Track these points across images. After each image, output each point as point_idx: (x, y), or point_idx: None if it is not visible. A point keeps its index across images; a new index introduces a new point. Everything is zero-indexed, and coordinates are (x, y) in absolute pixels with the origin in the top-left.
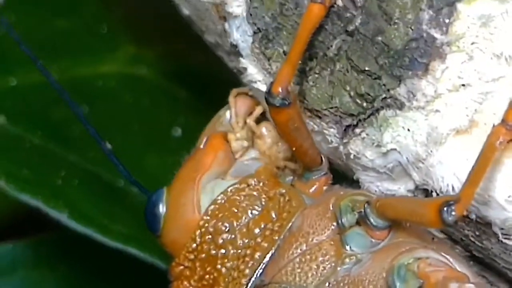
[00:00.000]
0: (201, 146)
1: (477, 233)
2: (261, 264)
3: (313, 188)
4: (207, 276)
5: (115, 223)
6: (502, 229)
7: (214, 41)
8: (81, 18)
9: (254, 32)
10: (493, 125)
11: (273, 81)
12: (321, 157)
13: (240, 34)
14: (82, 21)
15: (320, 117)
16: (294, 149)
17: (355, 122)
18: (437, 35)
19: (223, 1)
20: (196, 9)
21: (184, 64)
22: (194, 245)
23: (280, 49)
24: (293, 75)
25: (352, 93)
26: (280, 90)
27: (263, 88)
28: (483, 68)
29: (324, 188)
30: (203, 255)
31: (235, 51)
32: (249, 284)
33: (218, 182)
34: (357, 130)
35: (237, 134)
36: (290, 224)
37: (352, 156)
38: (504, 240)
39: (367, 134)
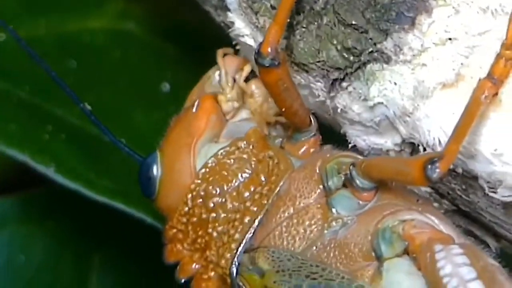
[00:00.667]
0: (193, 110)
1: (463, 186)
2: (251, 228)
3: (302, 149)
4: (199, 240)
5: (101, 178)
6: (488, 182)
7: None
8: None
9: None
10: (479, 79)
11: (262, 41)
12: (310, 118)
13: None
14: None
15: (307, 71)
16: (283, 109)
17: (342, 76)
18: None
19: None
20: None
21: (172, 19)
22: (186, 208)
23: (267, 3)
24: (281, 34)
25: (339, 47)
26: (269, 50)
27: (251, 42)
28: (470, 22)
29: (312, 150)
30: (195, 218)
31: (222, 5)
32: (239, 249)
33: (212, 145)
34: (344, 84)
35: (228, 95)
36: (278, 188)
37: (339, 110)
38: (490, 194)
39: (354, 88)
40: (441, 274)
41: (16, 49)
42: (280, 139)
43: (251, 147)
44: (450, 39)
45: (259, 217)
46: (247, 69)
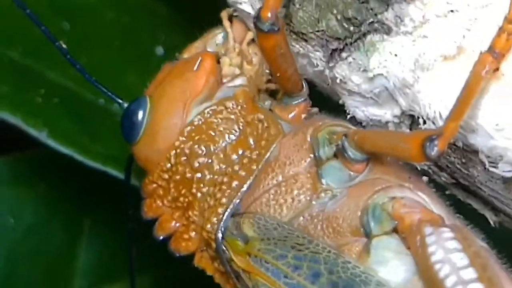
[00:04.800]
0: (194, 68)
1: (463, 160)
2: (238, 193)
3: (292, 114)
4: (182, 199)
5: (95, 143)
6: (488, 157)
7: None
8: None
9: None
10: (480, 52)
11: (262, 6)
12: (302, 83)
13: None
14: None
15: (306, 40)
16: (278, 74)
17: (341, 46)
18: None
19: None
20: None
21: None
22: (169, 165)
23: None
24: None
25: (339, 17)
26: (269, 15)
27: (248, 9)
28: None
29: (303, 115)
30: (178, 176)
31: None
32: (226, 213)
33: (204, 106)
34: (344, 54)
35: (233, 59)
36: (268, 153)
37: (338, 80)
38: (490, 169)
39: (353, 59)
40: (433, 260)
41: (8, 9)
42: (269, 101)
43: (239, 107)
44: (452, 11)
45: (247, 183)
46: (249, 35)
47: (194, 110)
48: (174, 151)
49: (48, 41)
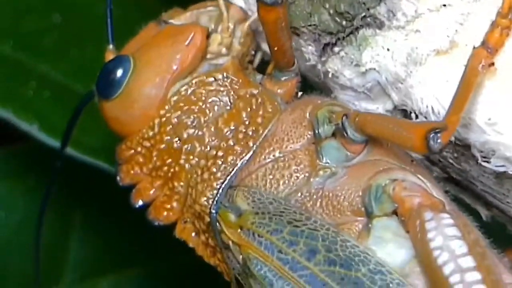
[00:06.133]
0: (185, 43)
1: (455, 155)
2: (235, 168)
3: (283, 89)
4: (166, 168)
5: (86, 137)
6: (481, 151)
7: None
8: None
9: None
10: (474, 47)
11: None
12: (295, 59)
13: None
14: None
15: (298, 35)
16: (276, 48)
17: (333, 41)
18: None
19: None
20: None
21: None
22: (151, 133)
23: None
24: None
25: (331, 11)
26: None
27: (240, 3)
28: None
29: (293, 90)
30: (163, 145)
31: None
32: (221, 188)
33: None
34: (336, 49)
35: (224, 39)
36: (266, 130)
37: (330, 75)
38: (482, 163)
39: (346, 53)
40: (431, 246)
41: None
42: (260, 75)
43: (229, 80)
44: (444, 5)
45: (245, 158)
46: (254, 16)
47: (177, 83)
48: (158, 119)
49: (39, 35)
